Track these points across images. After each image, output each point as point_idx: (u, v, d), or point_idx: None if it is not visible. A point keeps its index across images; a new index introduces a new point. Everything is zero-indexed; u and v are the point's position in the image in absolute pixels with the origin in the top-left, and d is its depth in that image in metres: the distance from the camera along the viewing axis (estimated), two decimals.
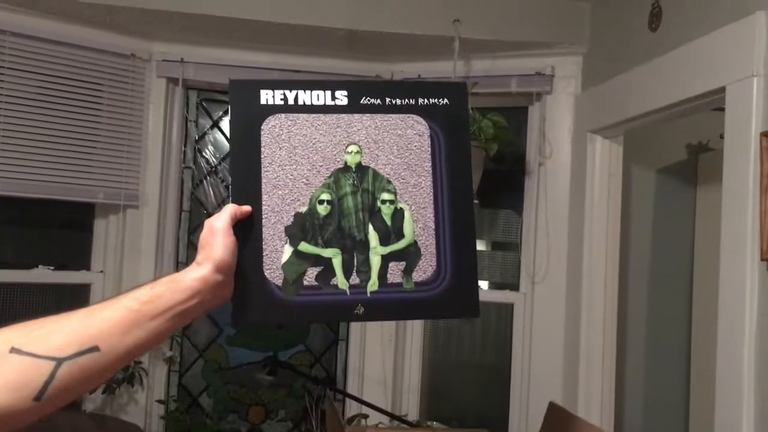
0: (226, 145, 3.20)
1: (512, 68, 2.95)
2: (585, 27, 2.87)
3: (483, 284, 3.19)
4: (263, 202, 0.89)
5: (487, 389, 3.22)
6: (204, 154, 3.19)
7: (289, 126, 0.91)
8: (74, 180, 2.79)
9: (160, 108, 3.01)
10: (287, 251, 0.88)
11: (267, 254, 0.87)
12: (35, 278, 2.83)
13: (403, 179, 0.90)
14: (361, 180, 0.90)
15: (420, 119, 0.93)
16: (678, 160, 3.15)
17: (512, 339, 3.03)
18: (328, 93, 0.92)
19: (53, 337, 0.72)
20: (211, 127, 3.21)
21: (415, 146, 0.92)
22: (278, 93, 0.92)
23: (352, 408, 3.10)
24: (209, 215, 3.30)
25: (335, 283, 0.87)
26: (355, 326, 3.20)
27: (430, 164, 0.91)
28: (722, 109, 1.99)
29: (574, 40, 2.88)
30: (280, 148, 0.90)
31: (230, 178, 0.92)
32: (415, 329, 3.18)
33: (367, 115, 0.92)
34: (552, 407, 1.50)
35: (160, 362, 3.03)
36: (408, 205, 0.90)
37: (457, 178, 0.91)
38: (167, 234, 3.07)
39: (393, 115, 0.92)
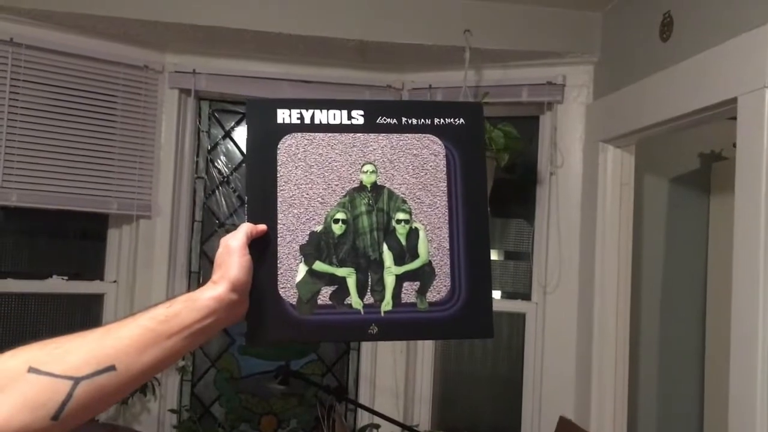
0: (238, 155, 3.22)
1: (523, 78, 2.95)
2: (596, 36, 2.87)
3: (495, 294, 3.18)
4: (279, 221, 0.89)
5: (499, 399, 3.21)
6: (216, 164, 3.21)
7: (306, 145, 0.91)
8: (88, 191, 2.81)
9: (173, 119, 3.03)
10: (302, 270, 0.88)
11: (282, 273, 0.88)
12: (49, 288, 2.85)
13: (419, 199, 0.90)
14: (376, 200, 0.90)
15: (436, 139, 0.93)
16: (691, 169, 3.14)
17: (524, 349, 3.02)
18: (345, 112, 0.92)
19: (70, 357, 0.73)
20: (223, 138, 3.23)
21: (431, 166, 0.92)
22: (294, 112, 0.92)
23: (363, 418, 3.10)
24: (221, 225, 3.31)
25: (349, 302, 0.88)
26: None
27: (445, 184, 0.91)
28: (735, 118, 1.98)
29: (586, 50, 2.88)
30: (296, 167, 0.90)
31: (246, 197, 0.92)
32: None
33: (383, 134, 0.92)
34: (562, 422, 1.50)
35: (173, 372, 3.05)
36: (423, 225, 0.90)
37: (472, 199, 0.91)
38: (180, 244, 3.08)
39: (409, 135, 0.92)
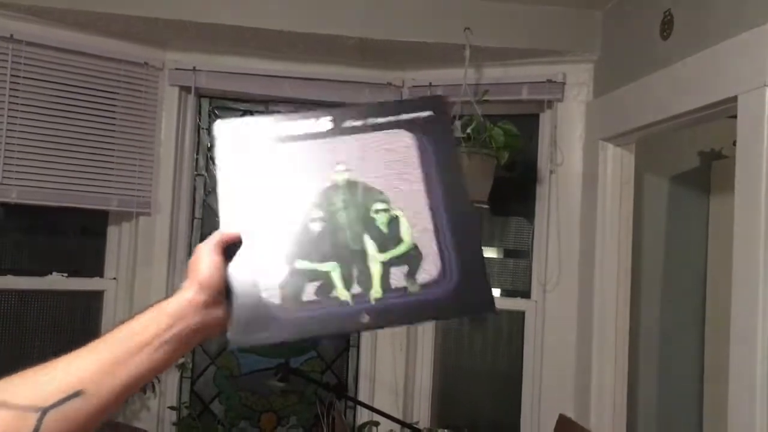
0: None
1: (523, 76, 2.95)
2: (596, 35, 2.87)
3: (495, 292, 3.17)
4: (255, 226, 0.88)
5: (499, 397, 3.21)
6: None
7: (276, 155, 0.91)
8: (88, 188, 2.81)
9: (173, 116, 3.03)
10: (284, 270, 0.86)
11: (263, 274, 0.86)
12: (49, 285, 2.85)
13: (395, 188, 0.89)
14: (351, 195, 0.89)
15: (406, 132, 0.93)
16: (691, 167, 3.14)
17: (524, 347, 3.02)
18: (312, 120, 0.93)
19: (37, 387, 0.71)
20: None
21: (404, 156, 0.91)
22: (263, 126, 0.93)
23: (363, 415, 3.10)
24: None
25: (335, 295, 0.85)
26: (366, 333, 3.20)
27: (420, 171, 0.90)
28: (735, 117, 1.98)
29: (586, 48, 2.88)
30: (267, 176, 0.90)
31: (219, 208, 0.90)
32: (426, 336, 3.17)
33: (353, 136, 0.92)
34: (562, 420, 1.50)
35: (173, 369, 3.05)
36: (402, 211, 0.88)
37: (450, 180, 0.90)
38: (180, 241, 3.09)
39: (378, 133, 0.93)
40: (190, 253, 3.11)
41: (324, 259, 0.86)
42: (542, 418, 2.89)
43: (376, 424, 2.94)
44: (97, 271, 3.00)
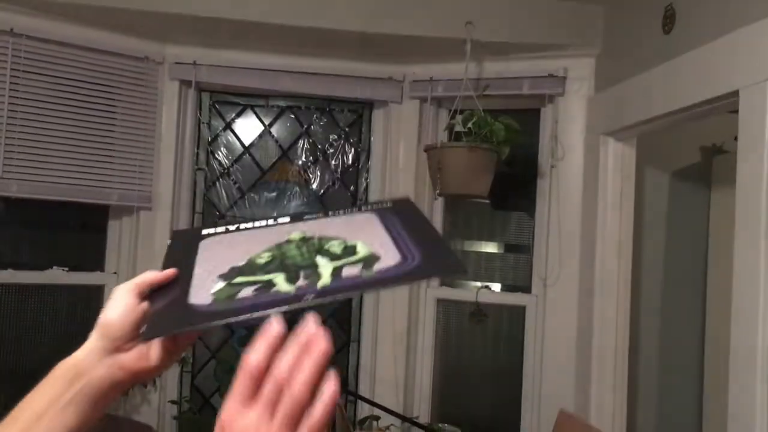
0: (239, 146, 3.21)
1: (524, 70, 2.95)
2: (598, 29, 2.86)
3: (495, 286, 3.19)
4: (195, 268, 0.81)
5: (499, 392, 3.21)
6: (217, 156, 3.20)
7: (230, 237, 0.89)
8: (88, 182, 2.81)
9: (173, 110, 3.03)
10: (219, 284, 0.76)
11: (194, 287, 0.76)
12: (49, 279, 2.85)
13: (353, 233, 0.85)
14: (306, 242, 0.85)
15: (368, 213, 0.91)
16: (692, 162, 3.13)
17: (524, 341, 3.02)
18: (270, 220, 0.92)
19: None
20: (224, 129, 3.22)
21: (364, 219, 0.89)
22: (220, 228, 0.92)
23: (363, 409, 3.11)
24: (222, 216, 3.29)
25: (276, 290, 0.73)
26: (366, 327, 3.21)
27: (381, 222, 0.87)
28: (736, 112, 1.98)
29: (587, 42, 2.87)
30: (219, 244, 0.87)
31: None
32: (426, 330, 3.18)
33: (312, 221, 0.90)
34: (562, 415, 1.50)
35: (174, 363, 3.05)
36: (360, 240, 0.82)
37: (411, 221, 0.86)
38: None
39: (339, 217, 0.92)
40: None
41: (267, 273, 0.77)
42: (542, 412, 2.89)
43: (377, 418, 2.95)
44: (98, 265, 3.00)
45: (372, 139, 3.29)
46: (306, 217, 0.91)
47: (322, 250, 0.81)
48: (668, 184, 3.10)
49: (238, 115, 3.23)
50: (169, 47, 3.01)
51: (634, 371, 2.87)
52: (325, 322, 0.61)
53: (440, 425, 3.00)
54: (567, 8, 2.85)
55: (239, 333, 3.13)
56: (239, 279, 0.76)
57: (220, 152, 3.21)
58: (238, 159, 3.21)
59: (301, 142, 3.26)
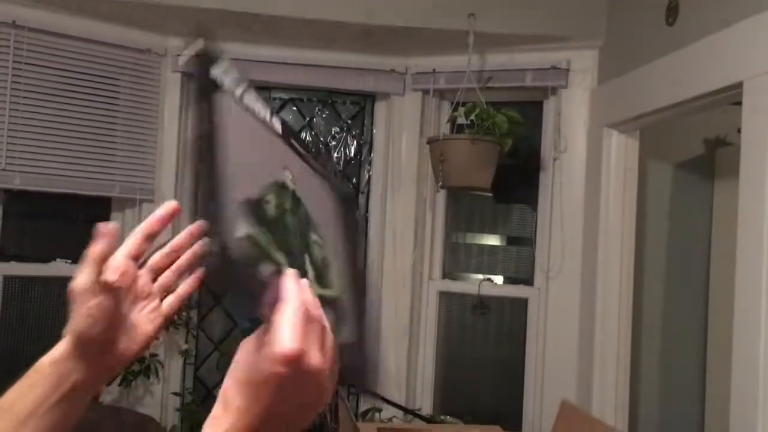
0: None
1: (527, 62, 2.94)
2: (601, 21, 2.85)
3: (498, 279, 3.19)
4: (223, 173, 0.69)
5: (501, 384, 3.22)
6: None
7: (242, 115, 0.83)
8: (91, 174, 2.81)
9: (176, 102, 3.02)
10: (242, 228, 0.69)
11: (225, 219, 0.67)
12: (53, 271, 2.86)
13: (323, 236, 0.84)
14: (296, 207, 0.85)
15: (333, 194, 0.90)
16: (695, 154, 3.12)
17: (526, 334, 3.02)
18: (268, 112, 0.88)
19: None
20: None
21: (330, 210, 0.89)
22: (231, 80, 0.75)
23: (366, 402, 3.11)
24: None
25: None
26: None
27: (342, 236, 0.88)
28: (740, 103, 1.97)
29: (590, 34, 2.86)
30: (236, 122, 0.75)
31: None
32: (429, 323, 3.18)
33: (297, 156, 0.89)
34: (564, 405, 1.50)
35: (176, 355, 3.06)
36: (332, 261, 0.83)
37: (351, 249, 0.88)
38: (182, 227, 3.07)
39: (316, 176, 0.89)
40: None
41: (277, 250, 0.73)
42: (545, 404, 2.89)
43: (379, 410, 2.95)
44: None
45: (374, 131, 3.29)
46: (293, 143, 0.85)
47: (308, 243, 0.80)
48: (671, 176, 3.10)
49: None
50: (171, 39, 3.00)
51: (637, 363, 2.87)
52: None
53: (442, 417, 3.01)
54: (570, 0, 2.84)
55: (242, 325, 3.13)
56: (255, 234, 0.70)
57: None
58: None
59: (303, 134, 3.26)
